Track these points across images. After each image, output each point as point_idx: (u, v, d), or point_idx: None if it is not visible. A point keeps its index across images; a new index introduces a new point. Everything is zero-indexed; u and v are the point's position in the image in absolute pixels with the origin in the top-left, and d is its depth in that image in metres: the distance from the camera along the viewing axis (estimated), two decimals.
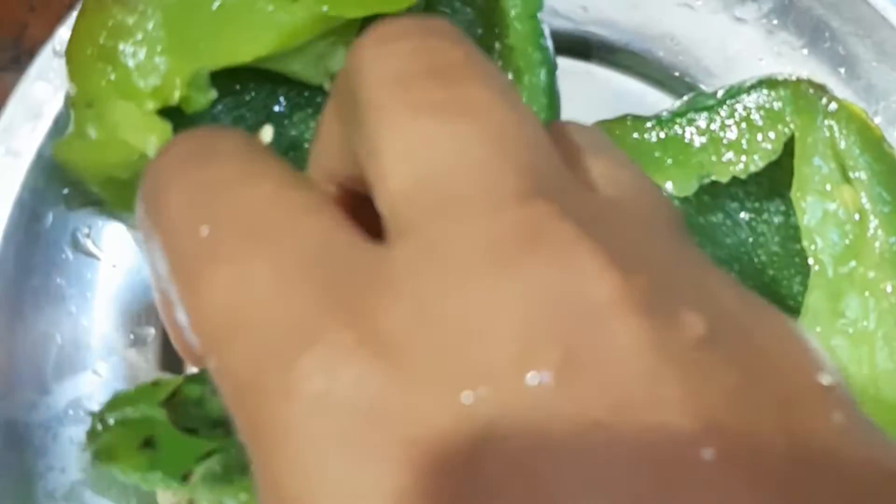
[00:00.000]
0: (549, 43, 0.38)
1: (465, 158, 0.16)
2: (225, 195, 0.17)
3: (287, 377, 0.15)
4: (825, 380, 0.17)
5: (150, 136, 0.32)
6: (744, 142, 0.35)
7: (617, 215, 0.18)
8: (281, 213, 0.17)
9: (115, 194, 0.35)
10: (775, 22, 0.38)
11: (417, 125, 0.17)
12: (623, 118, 0.37)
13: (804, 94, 0.35)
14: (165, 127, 0.33)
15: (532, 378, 0.15)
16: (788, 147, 0.35)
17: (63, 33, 0.35)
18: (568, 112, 0.39)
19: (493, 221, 0.16)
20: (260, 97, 0.38)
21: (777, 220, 0.37)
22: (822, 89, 0.35)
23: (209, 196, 0.17)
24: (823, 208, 0.35)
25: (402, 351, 0.15)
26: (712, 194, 0.37)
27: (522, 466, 0.14)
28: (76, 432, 0.36)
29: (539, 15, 0.37)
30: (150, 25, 0.33)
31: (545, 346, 0.15)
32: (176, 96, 0.33)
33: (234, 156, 0.18)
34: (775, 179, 0.36)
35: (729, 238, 0.38)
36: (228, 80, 0.37)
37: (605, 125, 0.37)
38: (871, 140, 0.35)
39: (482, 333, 0.15)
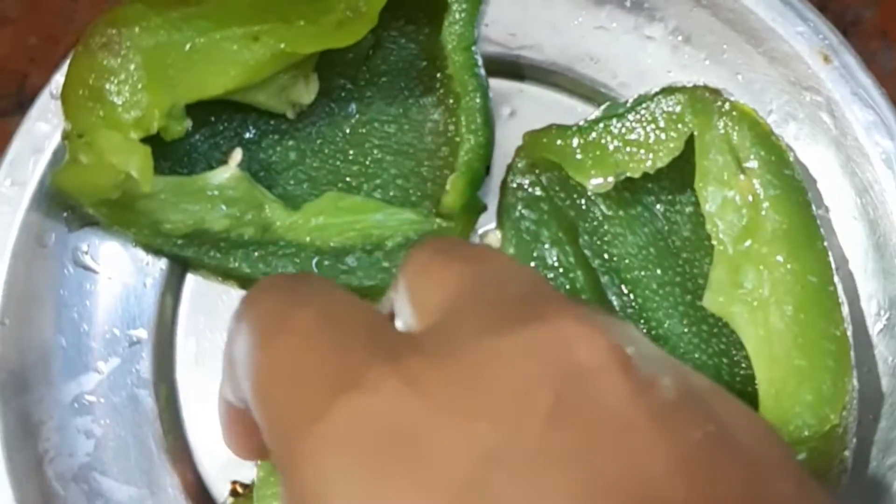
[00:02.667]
0: (482, 71, 0.43)
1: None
2: (307, 293, 0.25)
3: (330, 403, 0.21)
4: (784, 454, 0.22)
5: (133, 158, 0.37)
6: (650, 141, 0.40)
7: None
8: (347, 302, 0.24)
9: (108, 214, 0.40)
10: (679, 38, 0.43)
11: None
12: (549, 128, 0.42)
13: (700, 98, 0.40)
14: (146, 150, 0.38)
15: (528, 414, 0.20)
16: (692, 144, 0.40)
17: (58, 79, 0.40)
18: (505, 126, 0.45)
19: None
20: (232, 126, 0.44)
21: (688, 209, 0.42)
22: (716, 93, 0.40)
23: (295, 288, 0.25)
24: (723, 195, 0.40)
25: (428, 388, 0.21)
26: (631, 190, 0.42)
27: (521, 481, 0.19)
28: (81, 422, 0.41)
29: (473, 47, 0.43)
30: (132, 67, 0.39)
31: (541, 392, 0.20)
32: (155, 126, 0.39)
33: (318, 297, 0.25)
34: (685, 174, 0.41)
35: (647, 227, 0.43)
36: (204, 112, 0.42)
37: (533, 135, 0.42)
38: (760, 134, 0.40)
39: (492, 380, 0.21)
